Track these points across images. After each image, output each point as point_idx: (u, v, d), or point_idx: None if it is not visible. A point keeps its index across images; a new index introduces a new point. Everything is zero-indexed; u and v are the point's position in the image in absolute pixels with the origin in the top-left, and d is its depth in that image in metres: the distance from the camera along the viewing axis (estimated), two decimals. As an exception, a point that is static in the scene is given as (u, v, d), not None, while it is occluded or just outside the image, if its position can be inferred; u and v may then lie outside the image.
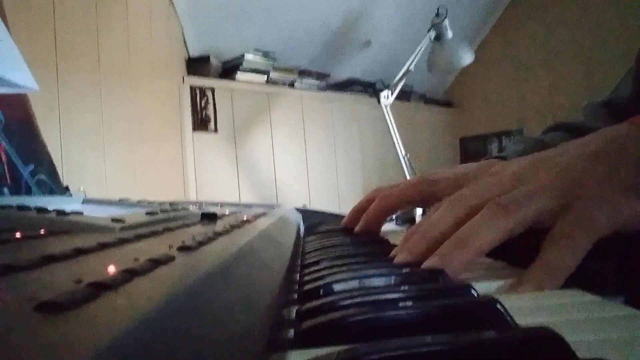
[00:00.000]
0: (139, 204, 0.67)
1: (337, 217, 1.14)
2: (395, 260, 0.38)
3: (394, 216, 1.16)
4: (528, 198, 0.37)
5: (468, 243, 0.35)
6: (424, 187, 0.66)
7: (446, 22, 2.83)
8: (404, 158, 2.85)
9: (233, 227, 0.39)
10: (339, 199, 3.46)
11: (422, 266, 0.35)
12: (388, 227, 0.74)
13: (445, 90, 4.55)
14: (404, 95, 3.83)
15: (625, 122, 0.43)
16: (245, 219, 0.49)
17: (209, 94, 2.86)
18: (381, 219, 0.68)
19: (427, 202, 0.65)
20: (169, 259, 0.21)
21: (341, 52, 3.54)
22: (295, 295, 0.31)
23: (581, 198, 0.36)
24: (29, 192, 0.70)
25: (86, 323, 0.12)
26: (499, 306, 0.22)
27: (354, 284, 0.30)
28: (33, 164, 0.73)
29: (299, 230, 0.74)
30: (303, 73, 3.36)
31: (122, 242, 0.27)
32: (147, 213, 0.46)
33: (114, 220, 0.37)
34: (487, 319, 0.22)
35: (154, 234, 0.33)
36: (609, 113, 0.72)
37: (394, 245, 0.51)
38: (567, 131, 0.74)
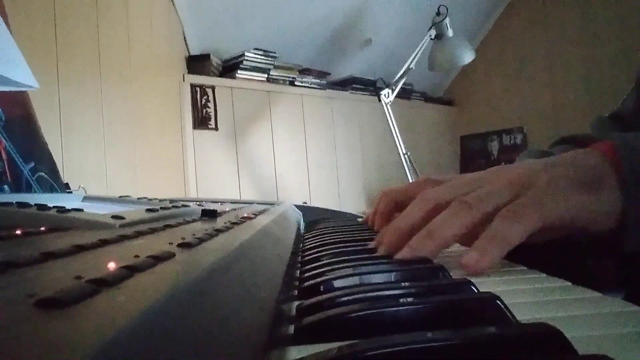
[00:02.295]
0: (139, 201, 0.67)
1: (338, 214, 1.14)
2: (378, 253, 0.43)
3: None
4: (487, 194, 0.42)
5: (434, 235, 0.40)
6: (428, 187, 0.67)
7: (447, 20, 2.82)
8: (404, 156, 2.85)
9: (233, 224, 0.39)
10: (339, 196, 3.46)
11: (395, 257, 0.39)
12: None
13: (445, 89, 4.55)
14: (405, 94, 3.83)
15: (588, 147, 0.46)
16: (245, 216, 0.49)
17: (210, 92, 2.86)
18: (391, 213, 0.69)
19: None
20: (169, 256, 0.21)
21: (342, 51, 3.54)
22: (296, 292, 0.31)
23: (533, 187, 0.41)
24: (29, 189, 0.70)
25: (86, 319, 0.12)
26: (498, 302, 0.22)
27: (354, 280, 0.30)
28: (33, 161, 0.73)
29: (299, 227, 0.74)
30: (303, 71, 3.36)
31: (122, 239, 0.27)
32: (148, 210, 0.46)
33: (114, 217, 0.37)
34: (487, 315, 0.22)
35: (154, 231, 0.33)
36: (615, 126, 0.74)
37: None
38: (573, 144, 0.74)
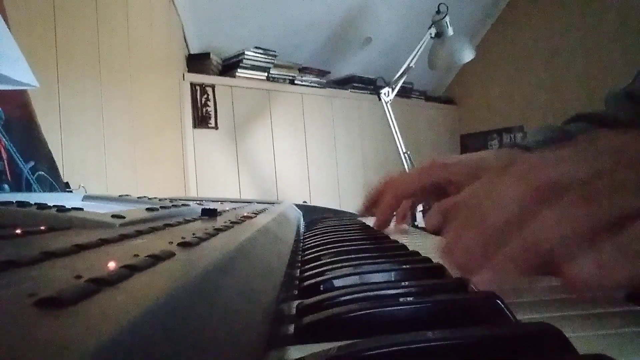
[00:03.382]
0: (139, 200, 0.67)
1: (338, 213, 1.14)
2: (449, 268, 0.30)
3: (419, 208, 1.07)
4: (622, 186, 0.26)
5: (536, 248, 0.26)
6: (436, 170, 0.62)
7: (447, 19, 2.82)
8: (404, 155, 2.85)
9: (233, 223, 0.39)
10: (339, 195, 3.46)
11: (473, 282, 0.27)
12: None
13: (445, 88, 4.54)
14: (405, 92, 3.83)
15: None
16: (245, 215, 0.49)
17: (210, 90, 2.86)
18: (394, 209, 0.65)
19: (440, 188, 0.62)
20: (169, 255, 0.21)
21: (342, 49, 3.53)
22: (296, 291, 0.31)
23: None
24: (29, 188, 0.70)
25: (86, 319, 0.12)
26: (498, 301, 0.22)
27: (354, 279, 0.30)
28: (33, 160, 0.73)
29: (299, 226, 0.74)
30: (303, 70, 3.36)
31: (122, 238, 0.27)
32: (148, 209, 0.46)
33: (114, 216, 0.37)
34: (487, 314, 0.22)
35: (154, 230, 0.33)
36: (633, 105, 0.68)
37: (394, 241, 0.51)
38: (589, 122, 0.70)
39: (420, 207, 1.32)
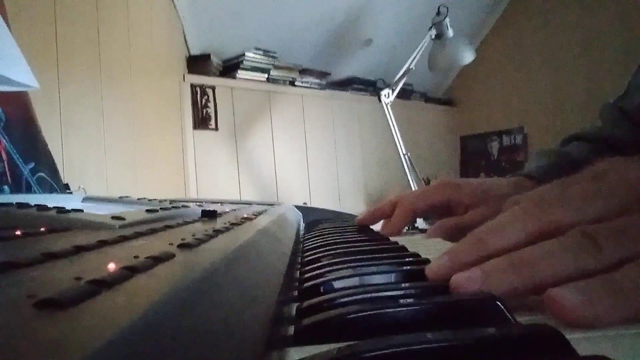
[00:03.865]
0: (139, 201, 0.67)
1: (338, 215, 1.14)
2: (430, 267, 0.30)
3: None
4: (625, 232, 0.27)
5: (530, 270, 0.26)
6: (448, 190, 0.65)
7: (447, 20, 2.83)
8: (404, 156, 2.85)
9: (233, 225, 0.39)
10: (339, 196, 3.46)
11: (452, 285, 0.27)
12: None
13: (445, 89, 4.55)
14: (405, 94, 3.83)
15: None
16: (245, 216, 0.49)
17: (210, 92, 2.86)
18: (407, 222, 0.67)
19: (449, 207, 0.65)
20: (169, 257, 0.21)
21: (342, 51, 3.54)
22: (296, 293, 0.31)
23: None
24: (29, 189, 0.70)
25: (86, 320, 0.12)
26: (498, 303, 0.22)
27: (354, 281, 0.30)
28: (33, 161, 0.73)
29: (299, 227, 0.74)
30: (304, 71, 3.36)
31: (122, 239, 0.27)
32: (148, 211, 0.46)
33: (114, 217, 0.37)
34: (487, 315, 0.22)
35: (154, 231, 0.33)
36: (627, 121, 0.70)
37: (394, 243, 0.51)
38: (588, 141, 0.72)
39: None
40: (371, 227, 0.73)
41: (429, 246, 0.54)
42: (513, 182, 0.66)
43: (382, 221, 0.72)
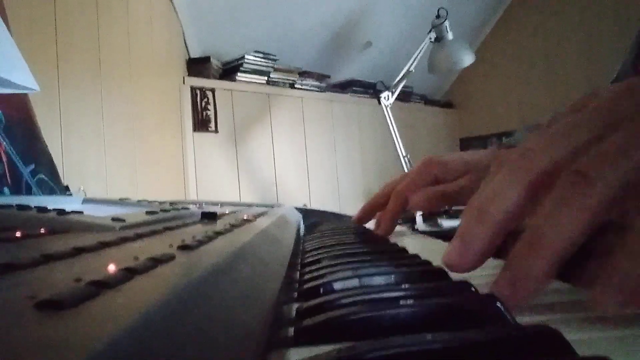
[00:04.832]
0: (139, 203, 0.67)
1: (338, 217, 1.14)
2: (447, 256, 0.29)
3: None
4: (616, 153, 0.24)
5: (543, 244, 0.24)
6: (434, 170, 0.64)
7: (446, 23, 2.83)
8: (404, 159, 2.85)
9: (233, 227, 0.39)
10: (339, 199, 3.46)
11: (493, 289, 0.25)
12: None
13: (445, 92, 4.55)
14: (405, 96, 3.83)
15: None
16: (245, 218, 0.49)
17: (210, 94, 2.86)
18: (396, 218, 0.66)
19: (437, 184, 0.64)
20: (169, 258, 0.21)
21: (342, 53, 3.54)
22: (296, 294, 0.31)
23: None
24: (29, 191, 0.70)
25: (86, 321, 0.12)
26: (498, 303, 0.22)
27: (354, 282, 0.30)
28: (33, 163, 0.73)
29: (299, 229, 0.74)
30: (303, 74, 3.36)
31: (122, 241, 0.27)
32: (148, 212, 0.46)
33: (114, 219, 0.37)
34: (487, 316, 0.22)
35: (154, 233, 0.33)
36: None
37: (394, 244, 0.51)
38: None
39: (420, 212, 1.32)
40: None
41: (429, 248, 0.54)
42: (491, 152, 0.66)
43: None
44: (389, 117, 2.85)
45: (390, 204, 0.66)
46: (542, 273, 0.24)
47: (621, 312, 0.22)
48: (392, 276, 0.32)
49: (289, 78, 3.27)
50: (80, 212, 0.41)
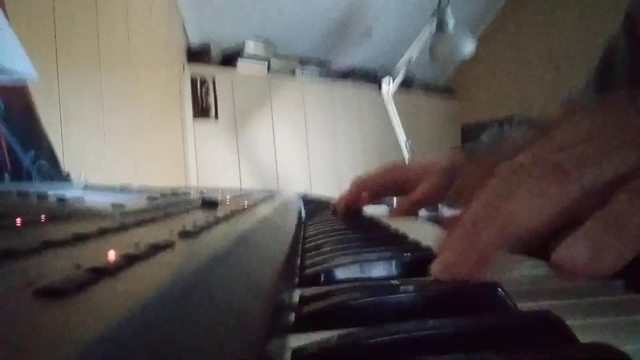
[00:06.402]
0: (140, 190, 0.67)
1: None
2: (436, 267, 0.26)
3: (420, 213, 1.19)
4: (597, 154, 0.25)
5: (504, 225, 0.25)
6: (395, 173, 0.76)
7: (448, 10, 2.81)
8: (405, 146, 2.85)
9: (234, 213, 0.38)
10: (340, 186, 3.45)
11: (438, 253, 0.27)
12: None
13: (446, 79, 4.53)
14: (406, 84, 3.81)
15: None
16: (246, 205, 0.49)
17: (210, 82, 2.85)
18: (358, 201, 0.77)
19: (399, 188, 0.76)
20: (169, 245, 0.21)
21: (343, 41, 3.52)
22: (297, 280, 0.31)
23: None
24: (29, 178, 0.70)
25: (86, 308, 0.12)
26: (500, 290, 0.22)
27: (355, 269, 0.30)
28: (33, 150, 0.73)
29: (300, 215, 0.74)
30: (304, 61, 3.35)
31: (123, 227, 0.27)
32: (148, 199, 0.46)
33: (115, 206, 0.37)
34: (488, 302, 0.22)
35: (154, 219, 0.33)
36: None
37: (396, 231, 0.51)
38: (529, 126, 0.79)
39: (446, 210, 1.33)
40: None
41: (430, 235, 0.54)
42: (450, 157, 0.76)
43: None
44: (390, 105, 2.84)
45: (349, 191, 0.77)
46: (489, 245, 0.24)
47: (579, 279, 0.22)
48: (393, 262, 0.32)
49: (289, 65, 3.25)
50: (81, 199, 0.41)
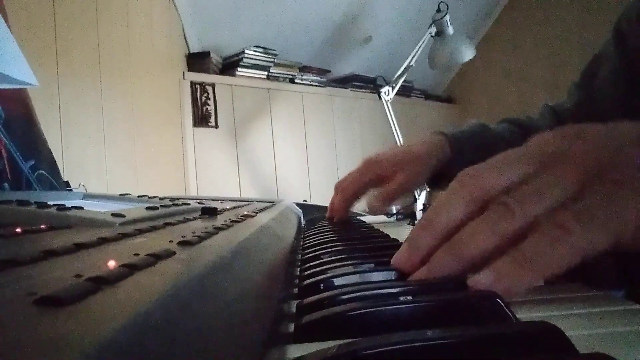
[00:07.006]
0: (139, 199, 0.67)
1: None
2: (395, 257, 0.33)
3: (394, 209, 1.23)
4: (538, 191, 0.30)
5: (459, 250, 0.30)
6: (370, 169, 0.75)
7: (447, 17, 2.82)
8: (404, 154, 2.84)
9: (233, 222, 0.38)
10: (339, 194, 3.45)
11: (411, 278, 0.31)
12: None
13: (446, 86, 4.54)
14: (405, 91, 3.83)
15: None
16: (245, 213, 0.49)
17: (210, 89, 2.86)
18: (346, 208, 0.77)
19: (379, 181, 0.75)
20: (169, 254, 0.21)
21: (342, 48, 3.53)
22: (296, 290, 0.31)
23: (607, 181, 0.28)
24: (29, 187, 0.70)
25: (86, 318, 0.12)
26: (498, 300, 0.22)
27: (354, 278, 0.30)
28: (33, 159, 0.73)
29: (299, 225, 0.74)
30: (304, 69, 3.36)
31: (123, 237, 0.27)
32: (148, 208, 0.46)
33: (115, 215, 0.37)
34: (487, 313, 0.22)
35: (154, 228, 0.33)
36: (554, 117, 0.81)
37: (394, 240, 0.51)
38: (512, 124, 0.84)
39: (420, 206, 1.33)
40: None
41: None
42: (428, 142, 0.75)
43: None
44: (390, 112, 2.84)
45: (335, 200, 0.77)
46: (455, 271, 0.30)
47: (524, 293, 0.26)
48: (392, 272, 0.32)
49: (289, 73, 3.26)
50: (81, 208, 0.41)
